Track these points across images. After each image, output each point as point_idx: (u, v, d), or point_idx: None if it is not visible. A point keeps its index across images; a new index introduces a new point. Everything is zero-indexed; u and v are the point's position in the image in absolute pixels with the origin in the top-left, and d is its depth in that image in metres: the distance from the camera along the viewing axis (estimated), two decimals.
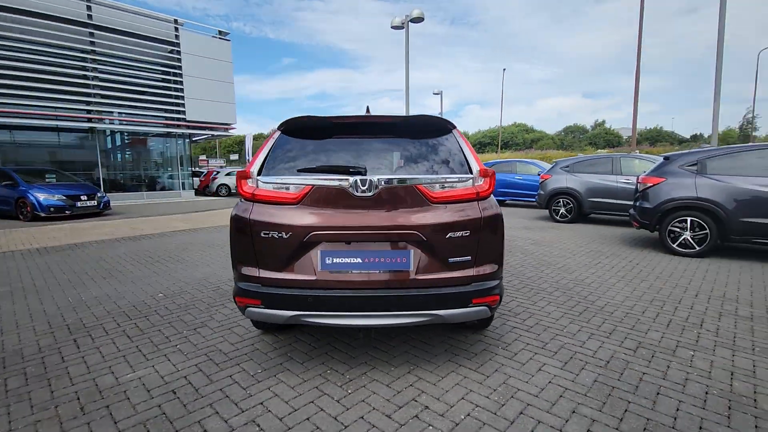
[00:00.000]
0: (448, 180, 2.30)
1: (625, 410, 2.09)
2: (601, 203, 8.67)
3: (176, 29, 17.34)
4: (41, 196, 10.40)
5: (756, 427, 1.95)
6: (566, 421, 2.01)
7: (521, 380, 2.40)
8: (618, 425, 1.97)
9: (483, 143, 59.81)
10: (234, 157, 54.23)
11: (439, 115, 2.48)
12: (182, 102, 17.57)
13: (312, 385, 2.37)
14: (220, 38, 18.89)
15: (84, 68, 14.99)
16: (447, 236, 2.23)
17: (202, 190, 22.13)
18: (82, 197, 11.08)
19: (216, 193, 21.04)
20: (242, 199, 2.41)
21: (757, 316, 3.39)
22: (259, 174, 2.37)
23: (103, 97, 15.63)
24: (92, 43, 15.03)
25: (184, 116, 17.75)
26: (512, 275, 4.68)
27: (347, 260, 2.22)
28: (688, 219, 5.56)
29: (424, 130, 2.50)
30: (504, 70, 44.24)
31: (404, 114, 2.52)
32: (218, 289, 4.27)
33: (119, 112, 16.55)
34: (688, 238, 5.58)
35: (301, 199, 2.25)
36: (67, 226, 9.43)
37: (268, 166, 2.39)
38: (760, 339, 2.94)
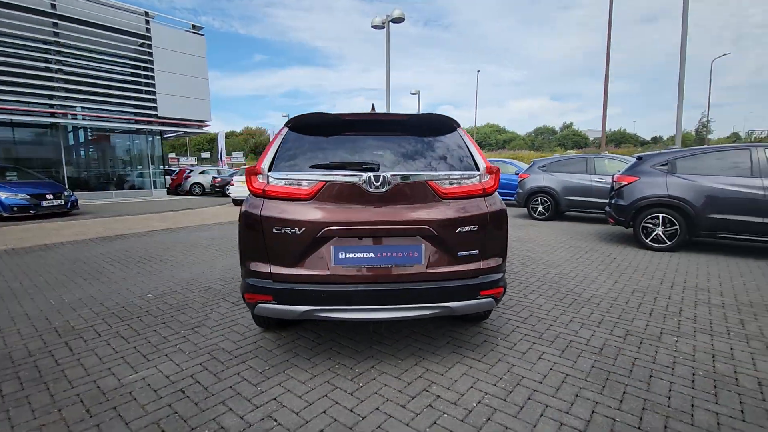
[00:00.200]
0: (457, 176, 2.37)
1: (624, 392, 2.24)
2: (576, 201, 9.04)
3: (147, 22, 16.72)
4: (3, 195, 9.80)
5: (740, 402, 2.13)
6: (571, 405, 2.13)
7: (524, 368, 2.51)
8: (619, 406, 2.11)
9: None
10: (206, 155, 52.69)
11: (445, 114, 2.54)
12: (153, 98, 16.96)
13: (323, 380, 2.39)
14: (193, 32, 18.34)
15: (47, 60, 14.21)
16: (457, 231, 2.30)
17: (174, 189, 21.45)
18: (48, 196, 10.52)
19: (189, 192, 20.44)
20: (252, 195, 2.40)
21: (727, 304, 3.67)
22: (269, 170, 2.36)
23: (67, 91, 14.88)
24: (56, 35, 14.28)
25: (155, 112, 17.14)
26: None
27: (360, 255, 2.26)
28: (660, 215, 5.91)
29: (431, 128, 2.57)
30: (478, 71, 45.17)
31: (405, 113, 2.56)
32: (209, 289, 4.19)
33: (84, 107, 15.78)
34: (660, 233, 5.93)
35: (314, 194, 2.27)
36: (33, 227, 8.94)
37: (278, 163, 2.39)
38: (733, 325, 3.19)
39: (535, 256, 5.61)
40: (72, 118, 15.77)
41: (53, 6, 14.12)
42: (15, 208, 9.82)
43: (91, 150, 18.24)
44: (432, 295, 2.28)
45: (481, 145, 58.38)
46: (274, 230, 2.26)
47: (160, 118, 17.35)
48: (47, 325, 3.25)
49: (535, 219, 9.51)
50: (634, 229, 6.23)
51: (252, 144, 68.92)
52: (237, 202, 14.64)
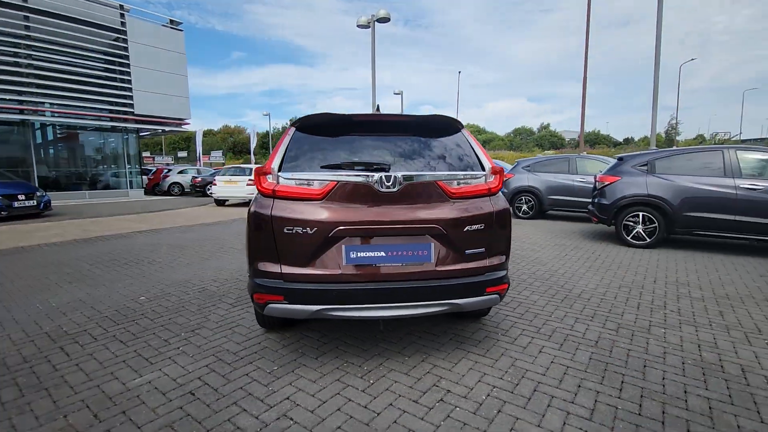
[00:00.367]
0: (465, 176, 2.44)
1: (622, 382, 2.36)
2: (559, 200, 9.31)
3: (122, 15, 16.17)
4: None
5: (728, 388, 2.29)
6: (575, 395, 2.23)
7: (527, 362, 2.60)
8: (619, 395, 2.22)
9: None
10: (182, 154, 51.36)
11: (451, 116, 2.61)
12: (130, 94, 16.42)
13: (333, 378, 2.42)
14: (171, 27, 17.86)
15: (16, 55, 13.56)
16: (464, 229, 2.37)
17: (152, 189, 20.84)
18: (20, 197, 10.06)
19: (168, 192, 19.91)
20: (261, 195, 2.40)
21: (707, 297, 3.88)
22: (279, 170, 2.37)
23: (37, 86, 14.24)
24: (27, 28, 13.63)
25: (131, 109, 16.60)
26: None
27: (372, 254, 2.30)
28: (640, 214, 6.17)
29: (436, 129, 2.63)
30: (459, 72, 45.71)
31: (411, 114, 2.61)
32: (204, 291, 4.13)
33: (55, 103, 15.14)
34: (640, 230, 6.19)
35: (325, 194, 2.29)
36: (6, 228, 8.54)
37: (287, 163, 2.40)
38: (714, 316, 3.38)
39: (524, 254, 5.77)
40: (42, 115, 15.11)
41: None
42: None
43: (63, 148, 17.49)
44: (441, 293, 2.34)
45: None
46: (285, 230, 2.27)
47: (137, 115, 16.82)
48: (38, 329, 3.15)
49: (520, 218, 9.74)
50: (616, 227, 6.48)
51: (230, 143, 67.56)
52: (219, 203, 14.36)
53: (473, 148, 2.60)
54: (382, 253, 2.31)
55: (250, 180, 13.51)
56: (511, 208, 2.60)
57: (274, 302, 2.31)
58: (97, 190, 17.03)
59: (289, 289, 2.28)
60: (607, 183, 6.57)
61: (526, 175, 9.71)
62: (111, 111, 16.36)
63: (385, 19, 12.53)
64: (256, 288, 2.37)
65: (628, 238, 6.30)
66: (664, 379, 2.39)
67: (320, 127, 2.54)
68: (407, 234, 2.33)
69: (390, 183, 2.28)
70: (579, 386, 2.32)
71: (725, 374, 2.44)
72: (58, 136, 17.04)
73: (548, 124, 72.96)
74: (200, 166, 28.15)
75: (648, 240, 6.14)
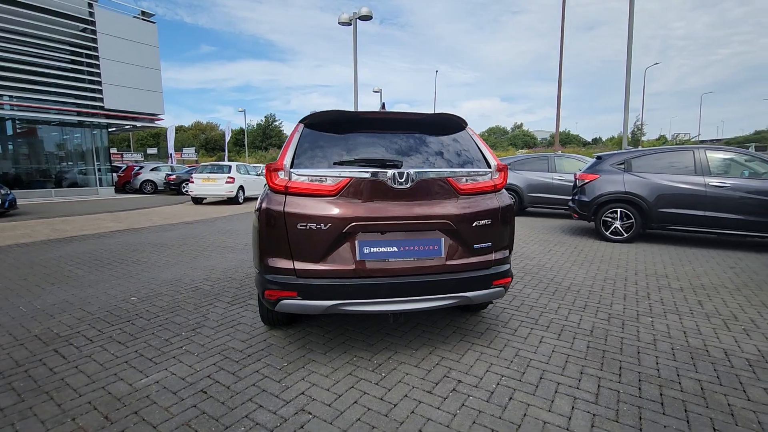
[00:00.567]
0: (473, 173, 2.51)
1: (620, 367, 2.49)
2: (539, 198, 9.61)
3: (90, 5, 15.44)
4: None
5: (715, 370, 2.46)
6: (579, 381, 2.34)
7: (530, 351, 2.71)
8: (619, 379, 2.35)
9: None
10: (152, 150, 49.54)
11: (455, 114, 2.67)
12: (99, 88, 15.72)
13: (345, 372, 2.44)
14: (143, 19, 17.19)
15: None
16: (473, 224, 2.44)
17: (122, 187, 20.05)
18: None
19: (140, 191, 19.20)
20: (272, 192, 2.38)
21: (685, 287, 4.13)
22: (290, 167, 2.36)
23: None
24: None
25: (101, 104, 15.89)
26: None
27: (384, 249, 2.33)
28: (618, 210, 6.47)
29: (443, 127, 2.69)
30: (437, 72, 46.09)
31: (418, 112, 2.66)
32: (198, 290, 4.05)
33: (16, 96, 14.30)
34: (618, 226, 6.49)
35: (339, 191, 2.30)
36: None
37: (298, 159, 2.39)
38: (693, 305, 3.61)
39: None
40: (0, 108, 14.25)
41: None
42: None
43: (26, 143, 16.55)
44: (451, 286, 2.40)
45: None
46: (299, 226, 2.27)
47: (107, 110, 16.12)
48: (26, 333, 3.01)
49: None
50: (595, 223, 6.76)
51: (202, 140, 65.72)
52: (197, 201, 13.99)
53: (478, 146, 2.68)
54: (395, 248, 2.35)
55: (229, 178, 13.24)
56: (513, 204, 2.69)
57: (287, 298, 2.31)
58: (64, 188, 16.23)
59: (302, 285, 2.29)
60: (587, 181, 6.85)
61: None
62: (78, 105, 15.61)
63: (367, 17, 12.52)
64: (267, 284, 2.36)
65: (607, 233, 6.59)
66: (657, 363, 2.54)
67: (329, 124, 2.55)
68: (419, 229, 2.38)
69: (403, 179, 2.32)
70: (581, 373, 2.43)
71: (711, 358, 2.62)
72: (19, 131, 16.11)
73: (522, 124, 74.89)
74: (172, 163, 27.33)
75: (625, 235, 6.45)
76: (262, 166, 25.25)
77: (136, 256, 5.58)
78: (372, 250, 2.32)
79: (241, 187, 13.77)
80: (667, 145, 23.09)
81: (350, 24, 12.94)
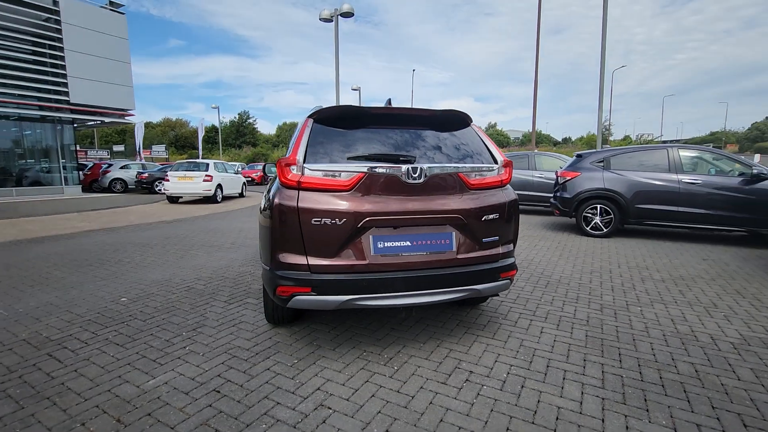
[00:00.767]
0: (481, 169, 2.57)
1: (619, 354, 2.62)
2: (520, 195, 9.85)
3: None
4: None
5: (705, 354, 2.62)
6: (584, 368, 2.45)
7: (533, 342, 2.80)
8: (620, 365, 2.47)
9: None
10: (119, 148, 47.44)
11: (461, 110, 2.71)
12: (64, 81, 14.92)
13: (358, 367, 2.45)
14: (111, 9, 16.42)
15: None
16: (482, 219, 2.50)
17: (89, 186, 19.13)
18: None
19: (109, 189, 18.39)
20: (284, 187, 2.36)
21: (666, 278, 4.37)
22: (303, 162, 2.34)
23: None
24: None
25: (66, 98, 15.09)
26: None
27: (397, 244, 2.35)
28: (598, 206, 6.74)
29: (450, 123, 2.73)
30: (414, 70, 46.39)
31: (426, 108, 2.69)
32: (191, 289, 3.94)
33: None
34: (598, 222, 6.77)
35: (353, 185, 2.30)
36: None
37: (311, 155, 2.38)
38: (676, 294, 3.82)
39: None
40: None
41: None
42: None
43: None
44: (462, 279, 2.45)
45: None
46: (313, 221, 2.26)
47: (73, 104, 15.32)
48: (13, 337, 2.85)
49: None
50: (576, 219, 7.02)
51: (172, 137, 63.50)
52: (172, 200, 13.54)
53: (484, 142, 2.74)
54: (408, 243, 2.37)
55: (207, 176, 12.88)
56: (518, 199, 2.77)
57: (301, 294, 2.29)
58: (27, 187, 15.32)
59: (317, 281, 2.28)
60: (568, 178, 7.09)
61: None
62: (40, 99, 14.75)
63: (348, 14, 12.46)
64: (279, 281, 2.33)
65: (588, 228, 6.86)
66: (653, 349, 2.69)
67: (338, 120, 2.54)
68: (431, 224, 2.41)
69: (416, 174, 2.35)
70: (585, 360, 2.54)
71: (700, 342, 2.79)
72: None
73: (495, 123, 76.40)
74: (141, 160, 26.35)
75: (604, 230, 6.73)
76: (238, 164, 24.71)
77: (118, 257, 5.36)
78: (386, 244, 2.34)
79: (219, 186, 13.44)
80: (632, 145, 24.22)
81: (331, 20, 12.84)
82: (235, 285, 4.09)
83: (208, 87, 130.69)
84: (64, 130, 16.23)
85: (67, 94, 15.02)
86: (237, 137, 60.99)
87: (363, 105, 2.59)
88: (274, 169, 5.22)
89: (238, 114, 64.39)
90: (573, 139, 66.51)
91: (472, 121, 2.82)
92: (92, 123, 18.38)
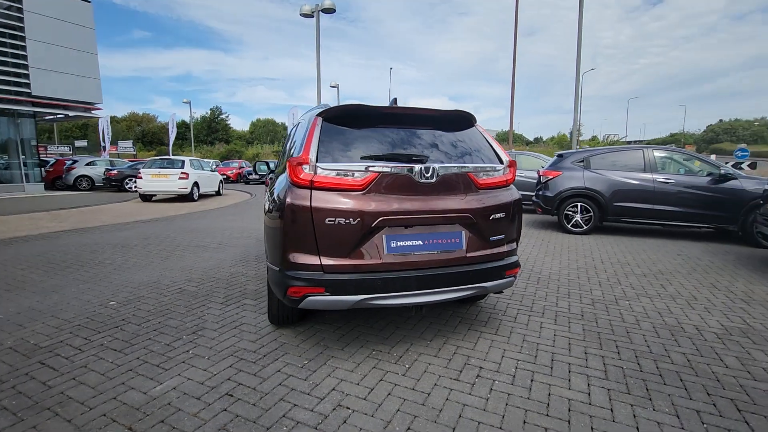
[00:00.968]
0: (489, 168, 2.62)
1: (617, 346, 2.75)
2: None
3: None
4: None
5: (693, 344, 2.79)
6: (586, 360, 2.55)
7: (535, 336, 2.89)
8: (619, 357, 2.59)
9: None
10: (81, 143, 45.01)
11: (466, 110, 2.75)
12: (25, 72, 14.03)
13: (369, 366, 2.45)
14: None
15: None
16: (490, 218, 2.55)
17: (52, 183, 18.12)
18: None
19: (75, 187, 17.48)
20: (296, 187, 2.32)
21: (647, 273, 4.59)
22: (315, 161, 2.32)
23: None
24: None
25: (27, 90, 14.21)
26: None
27: (410, 243, 2.37)
28: (579, 204, 7.00)
29: (456, 123, 2.77)
30: (391, 69, 46.27)
31: (434, 108, 2.71)
32: (183, 292, 3.82)
33: None
34: (579, 219, 7.02)
35: (367, 185, 2.30)
36: None
37: (322, 154, 2.36)
38: (658, 288, 4.03)
39: None
40: None
41: None
42: None
43: None
44: (471, 277, 2.50)
45: None
46: (327, 221, 2.25)
47: (34, 97, 14.44)
48: None
49: None
50: (558, 217, 7.26)
51: (139, 132, 60.94)
52: (145, 198, 13.03)
53: (489, 142, 2.80)
54: (420, 242, 2.40)
55: (183, 173, 12.46)
56: (522, 198, 2.84)
57: (314, 295, 2.27)
58: None
59: (330, 281, 2.27)
60: (550, 177, 7.32)
61: None
62: None
63: (330, 10, 12.33)
64: (291, 281, 2.30)
65: (569, 225, 7.11)
66: (646, 341, 2.83)
67: (347, 118, 2.53)
68: (442, 223, 2.45)
69: (429, 174, 2.37)
70: (586, 353, 2.65)
71: (687, 333, 2.96)
72: None
73: None
74: (107, 156, 25.18)
75: (585, 227, 6.99)
76: (213, 161, 24.00)
77: (97, 258, 5.12)
78: (398, 243, 2.36)
79: (196, 184, 13.04)
80: (601, 146, 25.09)
81: (312, 16, 12.67)
82: (229, 286, 4.00)
83: (176, 81, 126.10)
84: (24, 124, 15.28)
85: (28, 86, 14.14)
86: (209, 133, 59.20)
87: (369, 104, 2.57)
88: (263, 167, 5.13)
89: (210, 109, 62.51)
90: (545, 138, 68.51)
91: (476, 121, 2.87)
92: (53, 117, 17.37)
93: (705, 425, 1.92)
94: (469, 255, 2.51)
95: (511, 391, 2.20)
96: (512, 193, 2.73)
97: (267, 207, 2.75)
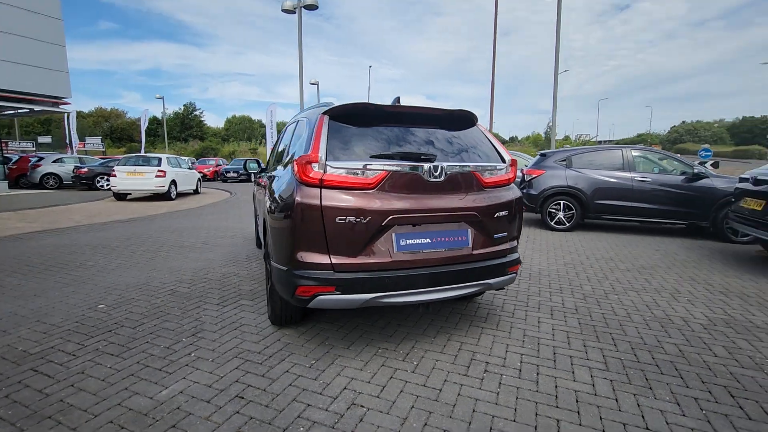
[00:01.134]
0: (493, 167, 2.67)
1: (612, 339, 2.85)
2: None
3: None
4: None
5: (683, 335, 2.93)
6: (586, 353, 2.64)
7: (535, 331, 2.96)
8: (616, 349, 2.70)
9: None
10: (45, 139, 42.76)
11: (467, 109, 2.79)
12: None
13: (377, 364, 2.46)
14: None
15: None
16: (494, 216, 2.60)
17: (15, 181, 17.16)
18: None
19: (41, 185, 16.62)
20: (304, 185, 2.30)
21: (630, 268, 4.78)
22: (325, 160, 2.30)
23: None
24: None
25: None
26: None
27: (418, 241, 2.39)
28: (562, 202, 7.20)
29: (459, 122, 2.80)
30: (370, 67, 45.99)
31: (438, 107, 2.74)
32: (175, 293, 3.71)
33: None
34: (561, 217, 7.23)
35: (378, 183, 2.30)
36: None
37: (331, 152, 2.34)
38: (643, 283, 4.21)
39: None
40: None
41: None
42: None
43: None
44: (477, 274, 2.54)
45: None
46: (338, 220, 2.23)
47: None
48: None
49: None
50: (541, 214, 7.45)
51: (107, 128, 58.46)
52: (119, 197, 12.53)
53: (491, 141, 2.85)
54: (428, 240, 2.42)
55: (160, 171, 12.06)
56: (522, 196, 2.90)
57: (325, 294, 2.26)
58: None
59: (341, 279, 2.26)
60: (534, 176, 7.50)
61: None
62: None
63: (312, 7, 12.17)
64: (300, 281, 2.28)
65: (552, 223, 7.31)
66: (639, 333, 2.95)
67: (354, 117, 2.52)
68: (449, 221, 2.47)
69: (437, 173, 2.39)
70: (585, 346, 2.74)
71: (676, 325, 3.11)
72: None
73: None
74: (72, 153, 24.10)
75: (567, 225, 7.21)
76: (187, 158, 23.31)
77: (78, 260, 4.90)
78: (408, 242, 2.37)
79: (174, 182, 12.65)
80: (573, 146, 25.85)
81: (294, 12, 12.48)
82: (223, 287, 3.91)
83: (146, 75, 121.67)
84: None
85: None
86: (182, 130, 57.45)
87: (375, 102, 2.57)
88: (253, 165, 5.03)
89: (184, 105, 60.77)
90: (520, 138, 69.98)
91: (478, 120, 2.91)
92: (15, 111, 16.41)
93: (704, 411, 2.02)
94: (474, 252, 2.55)
95: (519, 385, 2.25)
96: (514, 192, 2.79)
97: (270, 206, 2.71)
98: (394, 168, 2.34)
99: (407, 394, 2.15)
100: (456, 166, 2.50)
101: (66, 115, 26.60)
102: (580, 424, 1.92)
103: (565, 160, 7.33)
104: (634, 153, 7.06)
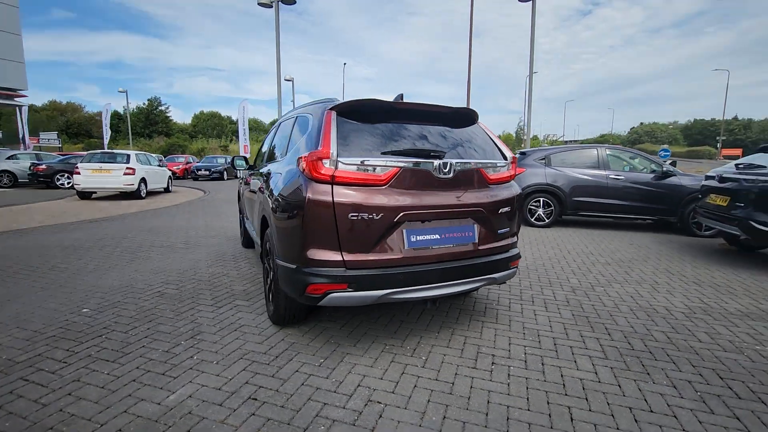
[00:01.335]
0: (496, 164, 2.72)
1: (606, 329, 2.99)
2: None
3: None
4: None
5: (668, 323, 3.11)
6: (584, 342, 2.75)
7: (533, 323, 3.06)
8: (611, 338, 2.83)
9: None
10: None
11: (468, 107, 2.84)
12: None
13: (387, 361, 2.47)
14: None
15: None
16: (499, 212, 2.66)
17: None
18: None
19: None
20: (315, 182, 2.26)
21: (610, 262, 5.01)
22: (336, 156, 2.27)
23: None
24: None
25: None
26: None
27: (428, 237, 2.41)
28: (541, 199, 7.44)
29: (462, 119, 2.84)
30: (345, 64, 45.57)
31: (444, 105, 2.76)
32: (164, 295, 3.57)
33: None
34: (541, 213, 7.47)
35: (389, 180, 2.30)
36: None
37: (341, 149, 2.32)
38: (624, 275, 4.42)
39: None
40: None
41: None
42: None
43: None
44: (482, 269, 2.59)
45: None
46: (350, 216, 2.22)
47: None
48: None
49: None
50: (522, 211, 7.66)
51: (62, 122, 55.12)
52: (84, 195, 11.88)
53: (492, 139, 2.91)
54: (437, 236, 2.45)
55: (129, 168, 11.52)
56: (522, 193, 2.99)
57: (337, 291, 2.24)
58: None
59: (353, 277, 2.24)
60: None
61: None
62: None
63: (290, 1, 11.95)
64: (311, 279, 2.25)
65: (532, 219, 7.54)
66: (629, 322, 3.11)
67: (362, 113, 2.51)
68: (456, 217, 2.51)
69: (447, 169, 2.42)
70: (581, 336, 2.86)
71: (660, 314, 3.29)
72: None
73: None
74: (26, 149, 22.65)
75: (546, 221, 7.46)
76: (155, 155, 22.38)
77: (50, 262, 4.61)
78: (418, 238, 2.39)
79: (143, 180, 12.11)
80: (544, 145, 26.69)
81: (270, 6, 12.22)
82: (213, 287, 3.80)
83: (105, 67, 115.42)
84: None
85: None
86: (146, 126, 55.00)
87: (382, 99, 2.57)
88: (240, 162, 4.90)
89: (148, 100, 58.01)
90: None
91: (478, 118, 2.97)
92: None
93: (699, 393, 2.16)
94: (480, 248, 2.60)
95: (528, 376, 2.32)
96: (515, 189, 2.86)
97: (273, 205, 2.66)
98: (407, 164, 2.35)
99: (421, 389, 2.18)
100: (464, 162, 2.54)
101: (18, 108, 24.98)
102: (590, 410, 2.00)
103: (544, 159, 7.58)
104: (608, 152, 7.39)
